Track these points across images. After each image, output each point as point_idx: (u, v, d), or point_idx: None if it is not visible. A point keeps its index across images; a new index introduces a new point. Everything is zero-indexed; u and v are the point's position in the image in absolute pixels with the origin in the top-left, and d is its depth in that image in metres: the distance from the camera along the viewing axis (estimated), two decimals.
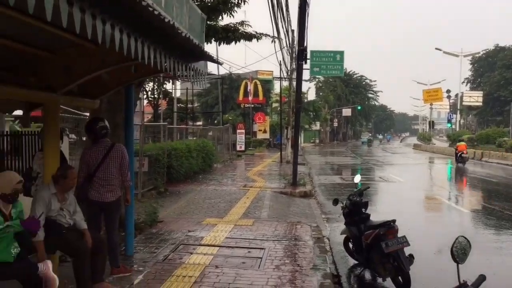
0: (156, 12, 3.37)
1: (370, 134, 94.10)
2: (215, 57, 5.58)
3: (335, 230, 8.94)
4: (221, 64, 6.71)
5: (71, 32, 4.63)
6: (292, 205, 12.32)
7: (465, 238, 2.99)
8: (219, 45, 10.75)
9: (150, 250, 6.99)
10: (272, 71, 53.65)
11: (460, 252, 2.90)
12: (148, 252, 6.87)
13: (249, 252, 7.01)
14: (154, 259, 6.53)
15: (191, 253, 6.87)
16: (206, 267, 6.17)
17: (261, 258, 6.69)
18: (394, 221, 6.06)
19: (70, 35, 4.67)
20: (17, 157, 8.50)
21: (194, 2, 5.81)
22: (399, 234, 5.96)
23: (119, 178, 5.73)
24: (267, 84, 54.78)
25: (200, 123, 47.70)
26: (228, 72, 43.27)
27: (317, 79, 78.91)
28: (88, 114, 19.85)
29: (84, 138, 15.79)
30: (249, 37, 11.27)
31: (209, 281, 5.65)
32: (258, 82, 46.42)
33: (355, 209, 6.66)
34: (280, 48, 21.42)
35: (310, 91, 72.31)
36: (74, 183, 5.07)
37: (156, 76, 17.01)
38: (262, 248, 7.19)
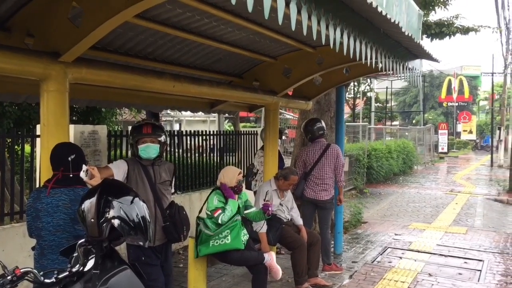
0: (383, 13, 3.33)
1: None
2: (432, 54, 5.28)
3: None
4: (438, 62, 6.33)
5: (293, 38, 4.95)
6: (510, 214, 10.98)
7: None
8: (431, 41, 10.21)
9: (358, 251, 7.00)
10: (480, 66, 48.96)
11: None
12: (356, 252, 6.90)
13: (465, 262, 6.48)
14: (363, 260, 6.51)
15: (400, 258, 6.66)
16: (419, 274, 5.90)
17: (480, 270, 6.12)
18: None
19: (292, 41, 4.97)
20: (234, 154, 9.44)
21: None
22: None
23: (333, 178, 5.87)
24: (473, 80, 50.15)
25: (397, 122, 46.09)
26: (429, 68, 40.92)
27: None
28: (292, 114, 20.81)
29: (283, 138, 16.68)
30: (466, 30, 10.36)
31: None
32: (463, 78, 42.78)
33: None
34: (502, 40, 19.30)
35: None
36: (289, 188, 5.36)
37: (368, 76, 16.97)
38: (481, 260, 6.57)
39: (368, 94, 31.98)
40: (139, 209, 2.16)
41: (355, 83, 26.45)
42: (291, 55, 5.57)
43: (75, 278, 2.15)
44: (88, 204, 2.15)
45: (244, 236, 4.43)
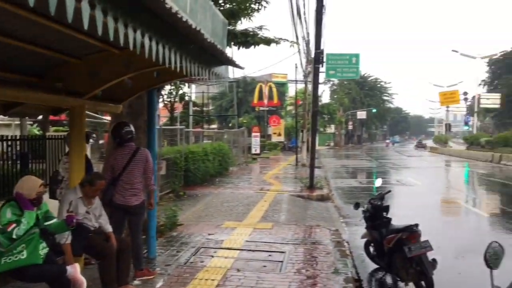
0: (184, 19, 3.41)
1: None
2: (236, 61, 5.61)
3: (355, 234, 8.91)
4: (242, 68, 6.75)
5: (96, 38, 4.74)
6: (309, 208, 12.31)
7: (498, 243, 2.99)
8: (238, 49, 10.83)
9: (172, 253, 7.05)
10: (287, 74, 53.73)
11: (493, 257, 2.90)
12: (170, 255, 6.93)
13: (269, 255, 7.03)
14: (176, 262, 6.58)
15: (212, 256, 6.92)
16: (228, 270, 6.21)
17: (282, 261, 6.71)
18: (417, 225, 6.03)
19: (95, 41, 4.75)
20: (40, 161, 8.68)
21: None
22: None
23: (142, 182, 5.79)
24: (281, 87, 54.79)
25: (215, 126, 47.83)
26: (242, 75, 43.40)
27: (331, 82, 78.55)
28: (109, 118, 20.04)
29: (100, 142, 15.86)
30: (267, 41, 11.27)
31: (231, 285, 5.68)
32: (272, 85, 46.45)
33: (376, 213, 6.64)
34: (299, 51, 21.47)
35: (324, 93, 72.31)
36: (97, 194, 5.14)
37: (178, 80, 17.15)
38: (283, 252, 7.21)
39: (186, 97, 32.51)
40: None
41: (174, 87, 26.64)
42: (97, 56, 5.33)
43: None
44: None
45: (43, 249, 4.10)
